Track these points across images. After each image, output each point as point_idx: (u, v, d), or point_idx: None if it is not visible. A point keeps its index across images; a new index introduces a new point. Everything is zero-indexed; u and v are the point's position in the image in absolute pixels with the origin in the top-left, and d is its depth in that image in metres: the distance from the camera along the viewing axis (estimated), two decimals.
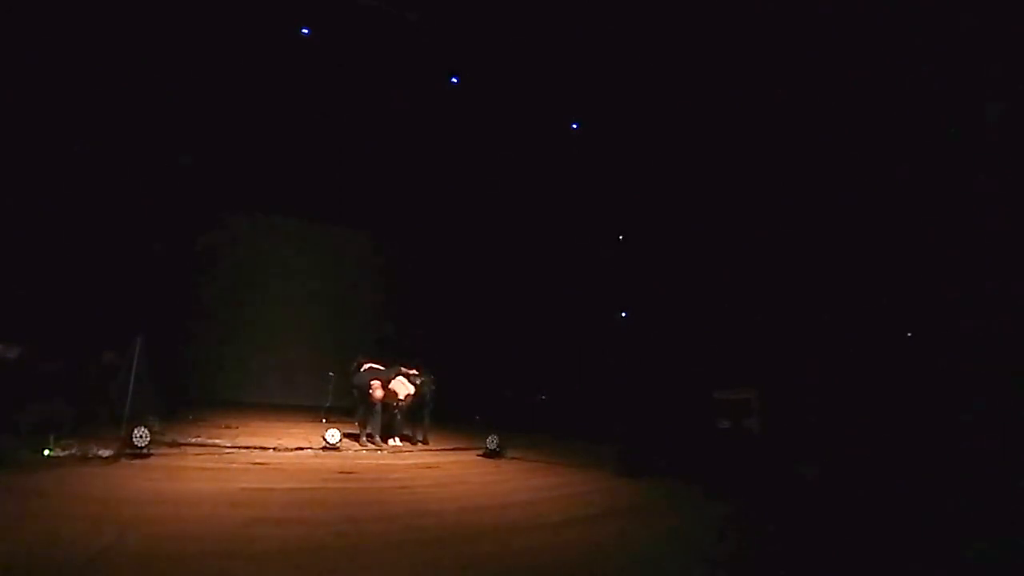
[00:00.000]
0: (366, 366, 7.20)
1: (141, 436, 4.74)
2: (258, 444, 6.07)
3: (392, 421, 7.31)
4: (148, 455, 4.76)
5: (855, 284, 8.56)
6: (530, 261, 13.88)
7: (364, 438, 7.01)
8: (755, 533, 4.17)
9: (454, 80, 9.47)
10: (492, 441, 6.77)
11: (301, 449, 6.13)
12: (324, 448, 6.22)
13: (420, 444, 7.47)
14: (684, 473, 6.40)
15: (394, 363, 7.41)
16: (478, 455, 6.82)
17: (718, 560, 3.38)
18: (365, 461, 5.96)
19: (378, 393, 6.93)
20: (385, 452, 6.69)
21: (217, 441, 6.00)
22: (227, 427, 7.36)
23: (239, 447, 5.83)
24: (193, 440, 5.85)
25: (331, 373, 9.25)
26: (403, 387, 7.19)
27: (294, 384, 12.16)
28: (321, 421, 8.44)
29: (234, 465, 4.98)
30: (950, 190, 7.44)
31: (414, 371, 7.55)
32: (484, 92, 9.72)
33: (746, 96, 8.94)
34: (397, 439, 7.25)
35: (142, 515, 3.13)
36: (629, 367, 12.10)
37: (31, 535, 2.64)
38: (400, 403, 7.19)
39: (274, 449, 5.93)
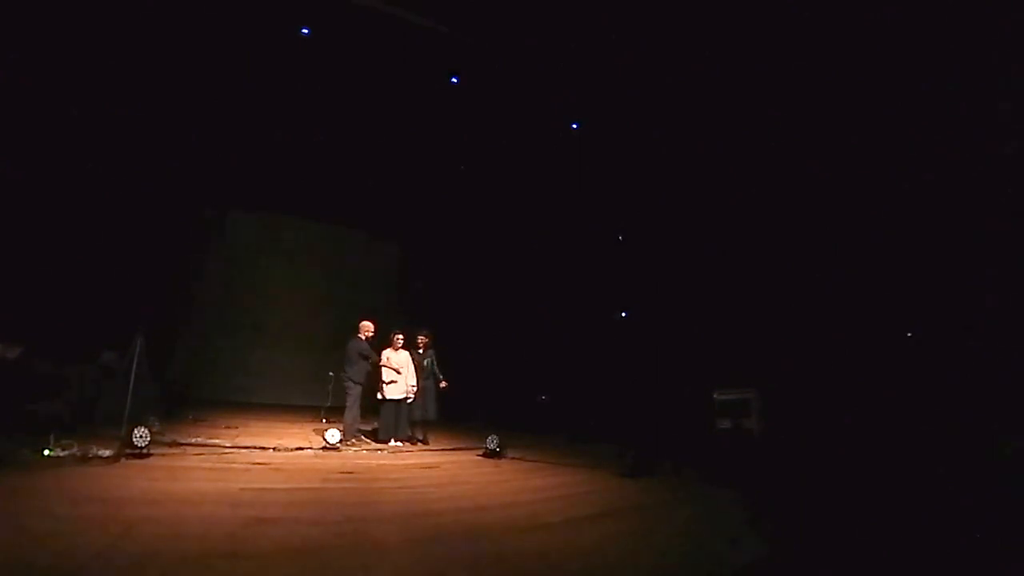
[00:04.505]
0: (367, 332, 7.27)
1: (141, 436, 4.73)
2: (258, 444, 6.07)
3: (393, 421, 7.33)
4: (148, 455, 4.75)
5: (855, 284, 8.56)
6: (530, 261, 13.88)
7: (382, 437, 7.14)
8: (757, 533, 4.16)
9: (454, 80, 9.47)
10: (492, 441, 6.76)
11: (301, 449, 6.13)
12: (324, 448, 6.22)
13: (420, 444, 7.47)
14: (685, 473, 6.40)
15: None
16: (478, 455, 6.82)
17: (720, 560, 3.38)
18: (365, 461, 5.95)
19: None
20: (385, 452, 6.69)
21: (217, 441, 6.00)
22: (227, 427, 7.36)
23: (239, 447, 5.83)
24: (193, 440, 5.84)
25: (331, 373, 9.24)
26: (400, 367, 7.34)
27: (294, 384, 12.15)
28: (321, 421, 8.44)
29: (234, 465, 4.97)
30: (950, 190, 7.44)
31: (421, 349, 7.73)
32: (484, 92, 9.72)
33: (747, 96, 8.94)
34: (397, 439, 7.26)
35: (142, 515, 3.13)
36: (629, 367, 12.10)
37: (31, 535, 2.64)
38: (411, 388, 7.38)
39: (274, 449, 5.92)
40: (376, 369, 7.25)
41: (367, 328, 7.25)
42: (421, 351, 7.72)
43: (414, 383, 7.40)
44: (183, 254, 11.81)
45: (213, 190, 11.78)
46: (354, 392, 6.96)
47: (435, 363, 7.76)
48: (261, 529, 3.10)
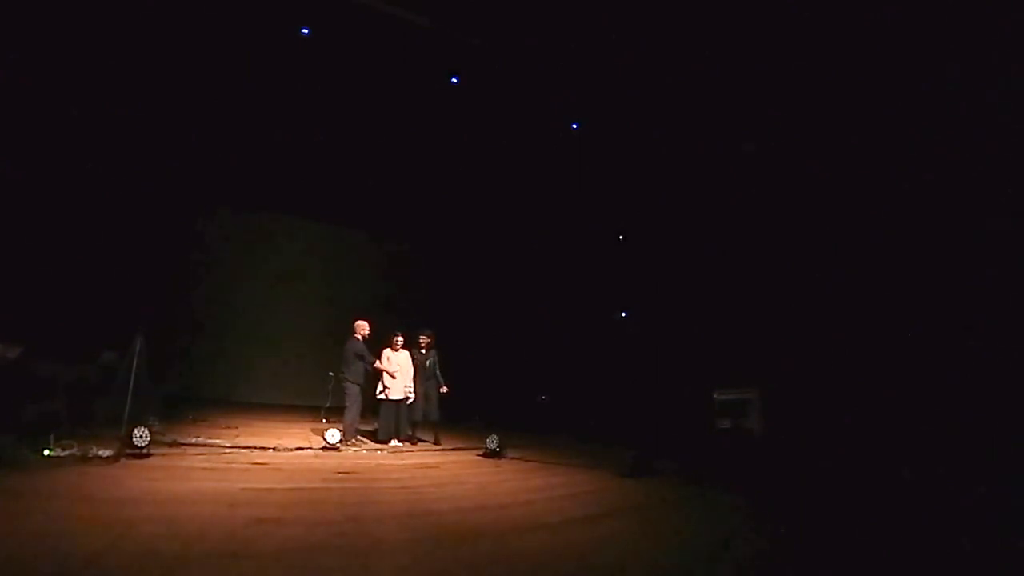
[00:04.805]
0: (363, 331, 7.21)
1: (141, 436, 4.73)
2: (258, 444, 6.07)
3: (395, 421, 7.32)
4: (148, 455, 4.76)
5: (855, 284, 8.55)
6: (530, 261, 13.88)
7: (382, 437, 7.12)
8: (758, 532, 4.16)
9: (454, 80, 9.47)
10: (492, 441, 6.76)
11: (301, 449, 6.13)
12: (324, 448, 6.22)
13: (423, 443, 7.44)
14: (685, 473, 6.40)
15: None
16: (478, 455, 6.82)
17: (720, 560, 3.38)
18: (365, 461, 5.95)
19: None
20: (385, 452, 6.69)
21: (217, 441, 6.00)
22: (227, 427, 7.36)
23: (239, 447, 5.83)
24: (193, 440, 5.85)
25: (331, 373, 9.24)
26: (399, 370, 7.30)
27: (294, 384, 12.15)
28: (321, 421, 8.44)
29: (234, 465, 4.98)
30: (950, 190, 7.44)
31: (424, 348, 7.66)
32: (484, 92, 9.72)
33: (747, 96, 8.93)
34: (397, 439, 7.25)
35: (142, 515, 3.13)
36: (629, 367, 12.10)
37: (31, 535, 2.64)
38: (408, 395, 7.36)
39: (274, 449, 5.93)
40: (372, 369, 7.21)
41: (362, 328, 7.21)
42: (424, 351, 7.67)
43: (411, 383, 7.38)
44: (183, 254, 11.82)
45: (213, 190, 11.77)
46: (352, 392, 6.94)
47: (437, 364, 7.69)
48: (261, 529, 3.10)
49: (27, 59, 7.53)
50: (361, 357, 7.00)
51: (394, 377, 7.24)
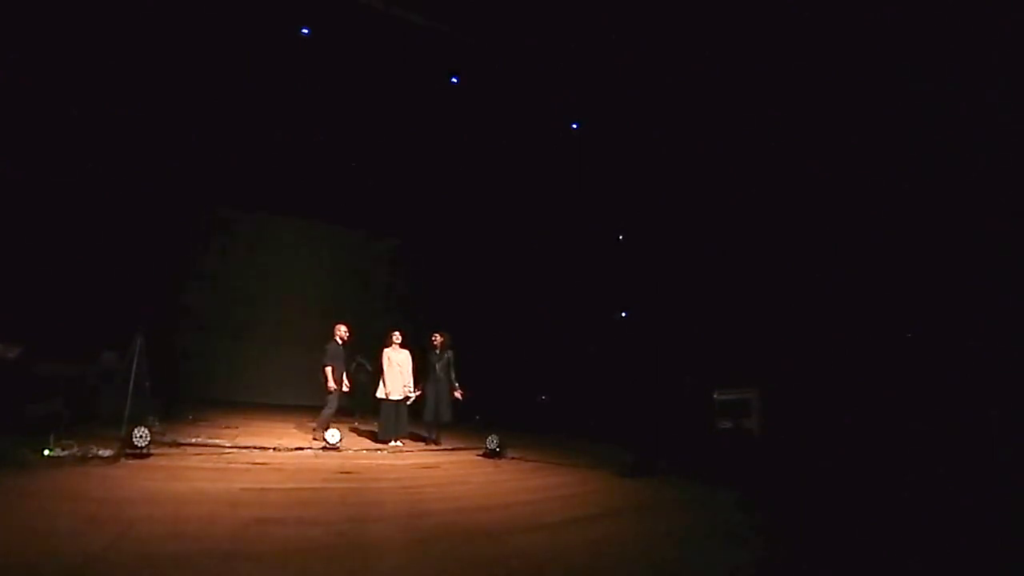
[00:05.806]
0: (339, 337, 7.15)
1: (141, 436, 4.74)
2: (258, 444, 6.08)
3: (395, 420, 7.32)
4: (148, 455, 4.76)
5: (855, 284, 8.55)
6: (530, 261, 13.88)
7: (382, 437, 7.09)
8: (756, 533, 4.16)
9: (454, 80, 9.47)
10: (492, 441, 6.76)
11: (301, 449, 6.14)
12: (324, 448, 6.23)
13: (431, 443, 7.42)
14: (685, 473, 6.40)
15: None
16: (478, 455, 6.82)
17: (720, 560, 3.37)
18: (365, 461, 5.96)
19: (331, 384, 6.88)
20: (385, 452, 6.69)
21: (217, 441, 6.01)
22: (227, 427, 7.36)
23: (239, 447, 5.84)
24: (193, 440, 5.85)
25: None
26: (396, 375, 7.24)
27: (294, 384, 12.14)
28: None
29: (234, 465, 4.98)
30: (950, 190, 7.44)
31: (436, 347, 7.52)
32: (484, 92, 9.72)
33: (747, 96, 8.94)
34: (397, 439, 7.25)
35: (142, 515, 3.13)
36: (629, 367, 12.09)
37: (31, 535, 2.64)
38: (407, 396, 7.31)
39: (274, 449, 5.93)
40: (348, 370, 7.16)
41: (339, 331, 7.17)
42: (438, 352, 7.53)
43: (411, 383, 7.35)
44: (183, 254, 11.82)
45: (212, 190, 11.77)
46: (331, 390, 6.90)
47: (451, 365, 7.48)
48: (261, 529, 3.10)
49: (27, 59, 7.53)
50: (336, 359, 6.94)
51: (330, 391, 6.93)
